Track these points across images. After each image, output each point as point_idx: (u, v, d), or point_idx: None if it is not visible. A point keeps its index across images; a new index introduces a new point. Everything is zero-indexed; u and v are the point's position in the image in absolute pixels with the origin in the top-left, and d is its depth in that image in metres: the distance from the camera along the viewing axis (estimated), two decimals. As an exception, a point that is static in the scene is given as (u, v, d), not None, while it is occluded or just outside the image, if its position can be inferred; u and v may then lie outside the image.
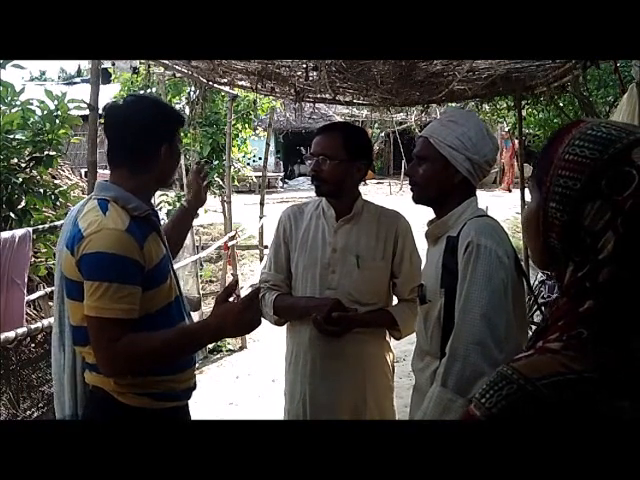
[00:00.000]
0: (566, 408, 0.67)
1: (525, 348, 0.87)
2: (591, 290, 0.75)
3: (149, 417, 1.55)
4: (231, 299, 1.54)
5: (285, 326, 2.13)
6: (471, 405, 0.74)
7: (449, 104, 5.18)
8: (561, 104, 5.86)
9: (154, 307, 1.54)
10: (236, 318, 1.48)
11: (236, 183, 7.77)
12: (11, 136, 3.92)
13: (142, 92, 6.21)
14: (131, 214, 1.50)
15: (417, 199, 1.70)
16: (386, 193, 15.82)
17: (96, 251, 1.43)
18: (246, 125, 7.58)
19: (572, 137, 0.78)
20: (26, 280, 3.38)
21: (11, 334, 2.44)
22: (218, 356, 5.21)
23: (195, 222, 7.31)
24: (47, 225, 3.80)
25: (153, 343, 1.48)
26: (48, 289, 3.75)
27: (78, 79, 22.94)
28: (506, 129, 12.36)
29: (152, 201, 1.77)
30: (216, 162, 7.47)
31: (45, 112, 4.08)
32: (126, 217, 1.48)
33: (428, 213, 1.72)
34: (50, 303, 3.51)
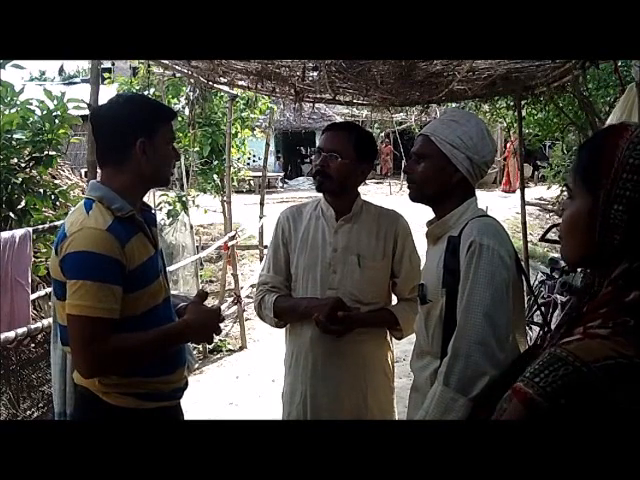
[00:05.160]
0: (617, 391, 0.71)
1: (557, 334, 0.90)
2: None
3: (135, 417, 1.55)
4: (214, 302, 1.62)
5: (284, 328, 2.13)
6: (519, 384, 0.77)
7: (449, 104, 5.18)
8: (561, 104, 5.86)
9: (139, 309, 1.54)
10: (214, 319, 1.61)
11: (235, 183, 7.76)
12: (11, 136, 3.92)
13: (141, 93, 6.21)
14: (115, 214, 1.50)
15: (414, 197, 1.70)
16: (386, 193, 15.81)
17: (77, 250, 1.43)
18: (245, 126, 7.57)
19: (630, 141, 0.83)
20: (29, 280, 3.39)
21: (11, 334, 2.43)
22: (218, 356, 5.21)
23: (195, 222, 7.23)
24: (47, 225, 3.80)
25: (133, 345, 1.49)
26: (48, 289, 3.75)
27: (78, 79, 22.89)
28: (505, 129, 12.35)
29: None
30: (216, 162, 7.46)
31: (44, 112, 4.07)
32: (109, 217, 1.49)
33: (428, 213, 1.72)
34: (50, 303, 3.51)
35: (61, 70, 34.10)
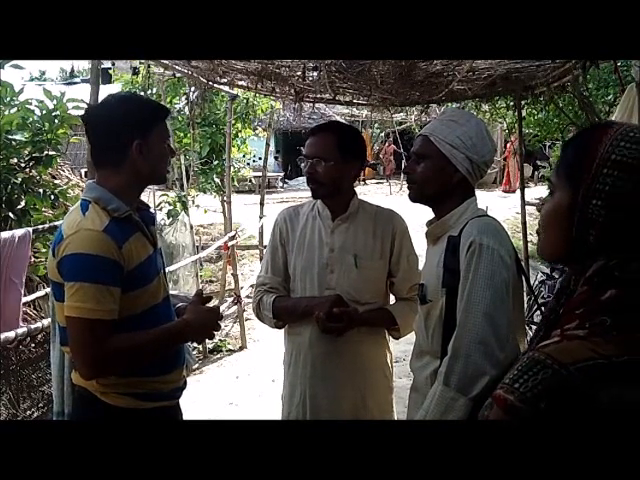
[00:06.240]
0: (598, 392, 0.70)
1: (536, 337, 0.90)
2: (617, 279, 0.79)
3: (133, 417, 1.55)
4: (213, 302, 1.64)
5: (283, 329, 2.13)
6: (499, 391, 0.76)
7: (449, 104, 5.18)
8: (561, 104, 5.86)
9: (139, 308, 1.54)
10: (214, 318, 1.64)
11: (235, 183, 7.76)
12: (10, 136, 3.92)
13: (141, 92, 6.21)
14: (111, 215, 1.50)
15: (414, 197, 1.70)
16: (386, 193, 15.80)
17: (74, 252, 1.44)
18: (245, 125, 7.58)
19: (613, 138, 0.82)
20: (24, 280, 3.38)
21: (11, 334, 2.44)
22: (218, 356, 5.21)
23: (195, 222, 7.22)
24: (47, 225, 3.79)
25: (134, 346, 1.50)
26: (48, 289, 3.75)
27: (78, 79, 22.89)
28: (505, 129, 12.34)
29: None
30: (215, 162, 7.46)
31: (44, 112, 4.07)
32: (106, 218, 1.48)
33: (427, 213, 1.72)
34: (50, 303, 3.50)
35: (72, 72, 33.82)
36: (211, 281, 7.65)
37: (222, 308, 5.17)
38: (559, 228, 0.86)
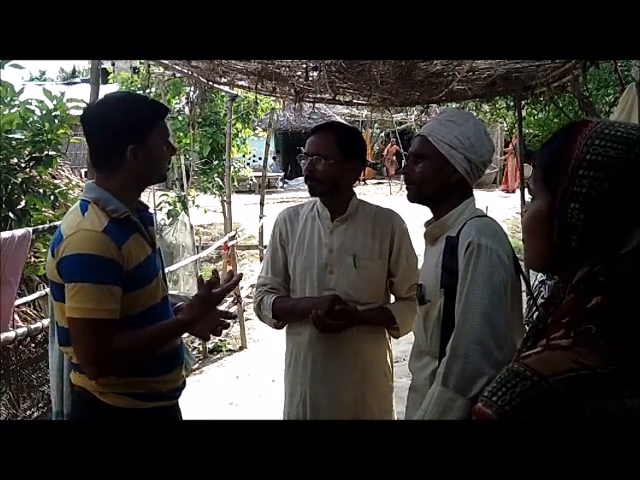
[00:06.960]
0: (580, 405, 0.66)
1: (523, 348, 0.87)
2: (603, 285, 0.75)
3: (132, 417, 1.55)
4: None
5: (284, 329, 2.13)
6: (479, 404, 0.73)
7: (449, 104, 5.18)
8: (561, 104, 5.86)
9: (138, 308, 1.54)
10: (214, 314, 1.67)
11: (235, 183, 7.76)
12: (10, 136, 3.92)
13: (140, 92, 6.20)
14: (110, 215, 1.50)
15: (413, 197, 1.70)
16: (386, 193, 15.80)
17: (73, 253, 1.43)
18: (246, 125, 7.58)
19: (588, 137, 0.78)
20: (19, 279, 3.37)
21: (11, 334, 2.44)
22: (218, 356, 5.21)
23: (195, 222, 7.18)
24: (47, 225, 3.80)
25: (137, 344, 1.50)
26: (48, 289, 3.75)
27: (78, 79, 22.90)
28: (505, 129, 12.35)
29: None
30: (216, 162, 7.46)
31: (44, 112, 4.08)
32: (105, 218, 1.48)
33: (427, 213, 1.71)
34: (49, 302, 3.49)
35: (73, 72, 33.72)
36: (211, 281, 7.64)
37: (222, 308, 5.17)
38: (541, 236, 0.82)
